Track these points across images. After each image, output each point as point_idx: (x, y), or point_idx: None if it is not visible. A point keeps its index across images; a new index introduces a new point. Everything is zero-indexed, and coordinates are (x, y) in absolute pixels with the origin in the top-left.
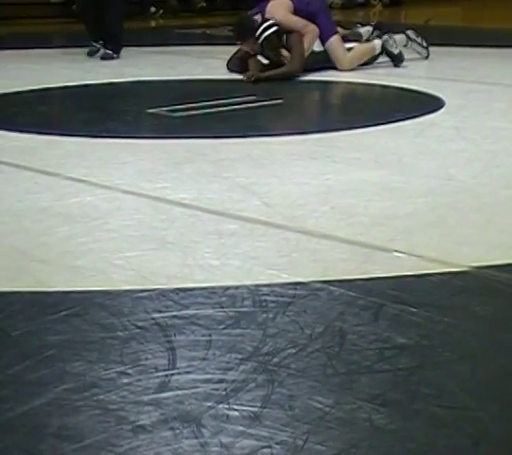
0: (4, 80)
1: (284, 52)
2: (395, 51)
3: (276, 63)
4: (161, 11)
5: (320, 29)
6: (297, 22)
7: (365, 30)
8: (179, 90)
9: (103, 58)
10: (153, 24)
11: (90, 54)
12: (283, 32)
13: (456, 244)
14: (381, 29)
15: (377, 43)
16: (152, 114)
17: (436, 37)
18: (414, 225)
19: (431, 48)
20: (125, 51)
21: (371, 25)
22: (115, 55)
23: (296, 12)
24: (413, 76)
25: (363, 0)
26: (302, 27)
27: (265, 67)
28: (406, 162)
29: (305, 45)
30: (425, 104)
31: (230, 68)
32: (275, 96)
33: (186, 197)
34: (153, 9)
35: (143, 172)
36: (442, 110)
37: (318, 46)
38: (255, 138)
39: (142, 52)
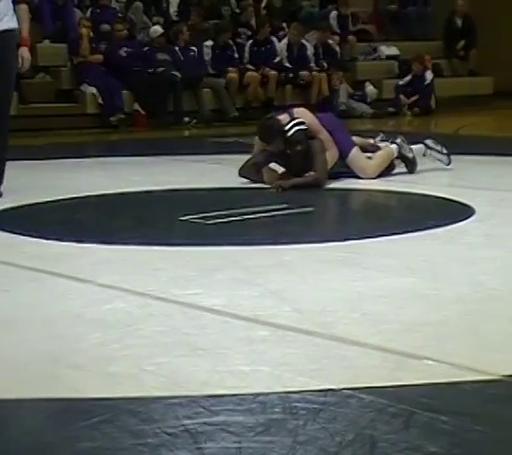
0: (41, 189)
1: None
2: (410, 155)
3: (292, 170)
4: (194, 121)
5: (339, 146)
6: (321, 131)
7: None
8: (212, 198)
9: None
10: (186, 133)
11: None
12: (309, 135)
13: (488, 351)
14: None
15: (394, 147)
16: (184, 221)
17: (467, 146)
18: (446, 332)
19: (462, 157)
20: (159, 160)
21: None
22: None
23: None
24: (443, 184)
25: (394, 110)
26: (316, 134)
27: (281, 175)
28: (437, 269)
29: (328, 158)
30: (455, 212)
31: (243, 175)
32: (306, 204)
33: (217, 303)
34: (186, 119)
35: (175, 279)
36: (472, 218)
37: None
38: (286, 246)
39: (176, 161)
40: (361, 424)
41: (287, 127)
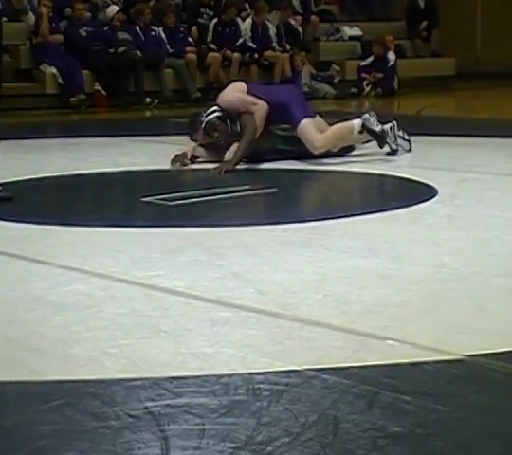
0: None
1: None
2: (377, 129)
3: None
4: (156, 101)
5: (290, 119)
6: (242, 100)
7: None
8: (174, 179)
9: None
10: (148, 114)
11: None
12: (230, 116)
13: (450, 332)
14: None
15: (356, 122)
16: (146, 202)
17: (429, 126)
18: (408, 312)
19: (424, 138)
20: (121, 141)
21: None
22: None
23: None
24: (406, 165)
25: (356, 90)
26: (250, 106)
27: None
28: (399, 250)
29: (257, 121)
30: (418, 193)
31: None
32: (269, 184)
33: (179, 285)
34: (148, 100)
35: (137, 261)
36: (435, 198)
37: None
38: (249, 227)
39: (137, 141)
40: (325, 404)
41: (203, 116)
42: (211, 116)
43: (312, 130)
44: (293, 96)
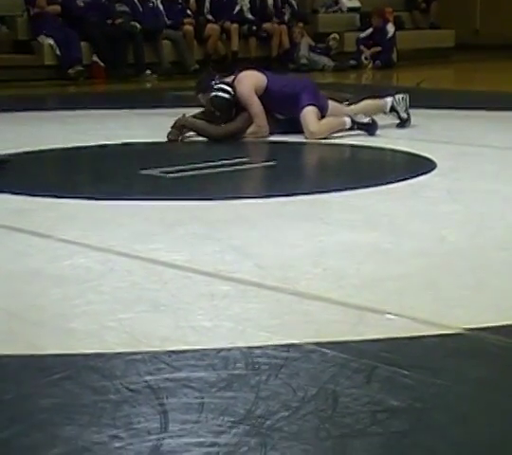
0: None
1: None
2: (365, 120)
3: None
4: (154, 76)
5: (297, 102)
6: (252, 107)
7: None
8: (173, 152)
9: None
10: (147, 85)
11: None
12: (236, 104)
13: (448, 306)
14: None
15: (347, 120)
16: (145, 175)
17: (428, 99)
18: (406, 286)
19: (424, 111)
20: (120, 113)
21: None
22: None
23: (268, 90)
24: (405, 138)
25: (355, 63)
26: (253, 115)
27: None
28: (398, 224)
29: (246, 128)
30: (417, 166)
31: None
32: (268, 158)
33: (178, 259)
34: (148, 72)
35: (136, 234)
36: (434, 172)
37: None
38: (248, 200)
39: (136, 114)
40: (323, 379)
41: (214, 87)
42: (222, 94)
43: (312, 118)
44: (308, 85)
